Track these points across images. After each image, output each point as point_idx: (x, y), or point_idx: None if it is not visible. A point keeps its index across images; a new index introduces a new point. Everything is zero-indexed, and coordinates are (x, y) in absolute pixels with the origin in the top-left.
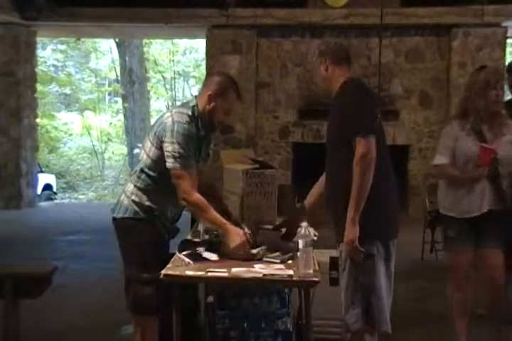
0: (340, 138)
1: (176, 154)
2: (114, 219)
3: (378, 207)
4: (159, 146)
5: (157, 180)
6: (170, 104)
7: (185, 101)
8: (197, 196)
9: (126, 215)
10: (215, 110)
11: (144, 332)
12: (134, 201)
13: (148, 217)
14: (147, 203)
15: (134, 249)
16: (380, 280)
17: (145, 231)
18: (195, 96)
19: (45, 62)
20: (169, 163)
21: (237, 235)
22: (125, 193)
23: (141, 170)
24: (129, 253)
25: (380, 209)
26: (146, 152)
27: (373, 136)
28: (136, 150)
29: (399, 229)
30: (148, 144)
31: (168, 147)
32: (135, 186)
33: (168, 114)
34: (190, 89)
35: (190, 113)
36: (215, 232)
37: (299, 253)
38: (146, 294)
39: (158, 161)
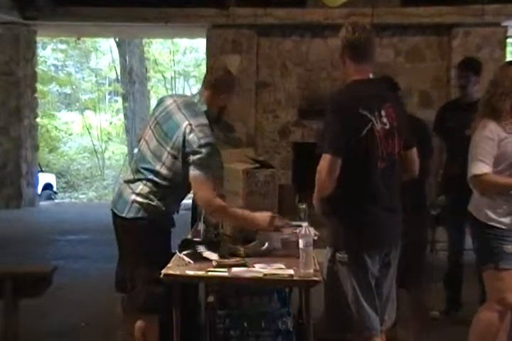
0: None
1: (201, 163)
2: (123, 218)
3: (349, 220)
4: (180, 158)
5: (172, 186)
6: None
7: (190, 100)
8: (219, 201)
9: (139, 215)
10: (212, 107)
11: (145, 331)
12: (148, 204)
13: (161, 218)
14: (162, 208)
15: (146, 248)
16: (347, 288)
17: (157, 231)
18: (199, 94)
19: (45, 62)
20: (193, 171)
21: (263, 215)
22: (136, 194)
23: (155, 176)
24: (140, 253)
25: (349, 223)
26: (158, 158)
27: (335, 157)
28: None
29: (385, 243)
30: (162, 151)
31: (194, 158)
32: (150, 191)
33: (188, 127)
34: (191, 89)
35: (207, 122)
36: (215, 232)
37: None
38: (158, 293)
39: (176, 171)
